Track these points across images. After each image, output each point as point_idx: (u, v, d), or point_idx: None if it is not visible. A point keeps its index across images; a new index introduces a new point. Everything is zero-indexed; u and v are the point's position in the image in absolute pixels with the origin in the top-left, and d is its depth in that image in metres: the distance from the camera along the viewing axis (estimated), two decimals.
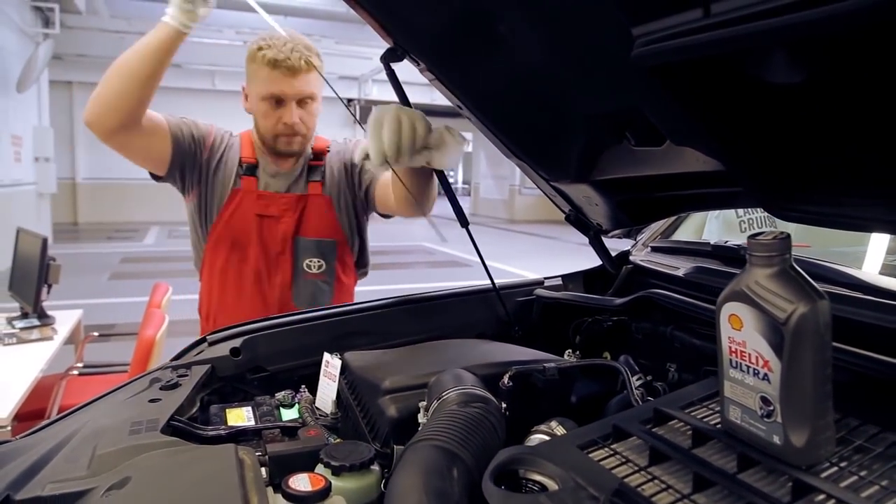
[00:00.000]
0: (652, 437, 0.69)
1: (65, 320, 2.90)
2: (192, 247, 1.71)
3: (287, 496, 0.65)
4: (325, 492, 0.65)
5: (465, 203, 23.41)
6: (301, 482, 0.66)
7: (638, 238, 1.49)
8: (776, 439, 0.63)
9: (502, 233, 14.69)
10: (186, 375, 1.06)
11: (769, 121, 0.73)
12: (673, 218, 1.57)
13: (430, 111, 1.32)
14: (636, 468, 0.65)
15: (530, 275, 1.57)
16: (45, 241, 2.66)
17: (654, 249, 1.44)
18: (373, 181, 1.67)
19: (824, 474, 0.61)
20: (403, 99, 1.23)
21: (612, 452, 0.69)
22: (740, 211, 1.56)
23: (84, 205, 14.67)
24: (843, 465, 0.63)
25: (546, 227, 15.08)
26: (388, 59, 1.20)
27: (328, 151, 1.71)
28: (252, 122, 1.67)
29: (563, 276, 1.48)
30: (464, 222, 1.28)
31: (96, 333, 3.13)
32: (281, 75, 1.53)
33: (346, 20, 15.04)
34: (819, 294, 0.60)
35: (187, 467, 0.74)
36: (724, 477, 0.61)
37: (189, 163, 1.60)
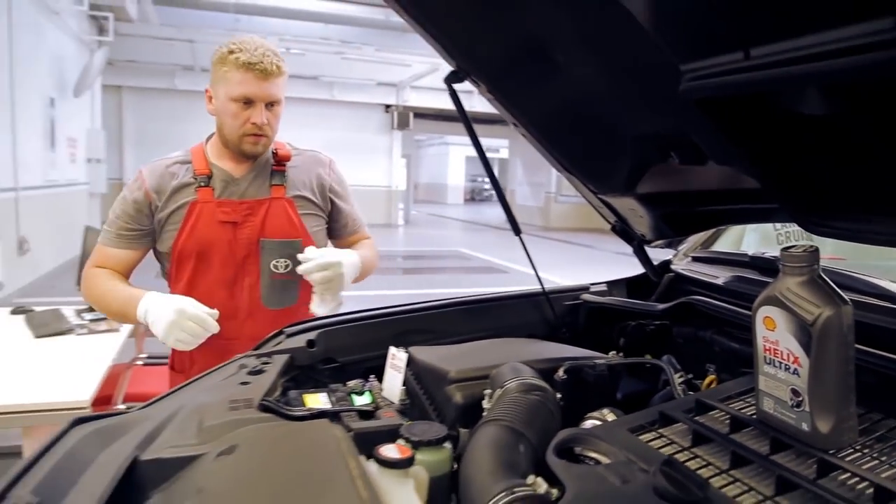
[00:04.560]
0: (694, 422, 0.79)
1: None
2: (157, 260, 1.76)
3: (380, 462, 0.76)
4: (411, 460, 0.77)
5: (498, 210, 23.43)
6: (391, 451, 0.77)
7: (679, 248, 1.57)
8: (804, 426, 0.72)
9: (538, 240, 14.72)
10: (269, 363, 1.19)
11: (801, 146, 0.82)
12: (713, 230, 1.65)
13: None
14: (680, 448, 0.75)
15: (568, 283, 1.63)
16: None
17: (695, 259, 1.53)
18: (342, 232, 1.86)
19: (848, 458, 0.71)
20: (464, 117, 1.33)
21: (658, 435, 0.79)
22: (777, 224, 1.64)
23: None
24: (865, 451, 0.72)
25: (582, 235, 15.09)
26: (451, 80, 1.30)
27: (290, 157, 1.76)
28: (214, 126, 1.71)
29: (608, 283, 1.58)
30: (517, 231, 1.38)
31: None
32: (254, 77, 1.57)
33: (385, 27, 15.29)
34: (843, 300, 0.69)
35: (288, 438, 0.86)
36: (758, 457, 0.71)
37: (152, 233, 1.68)
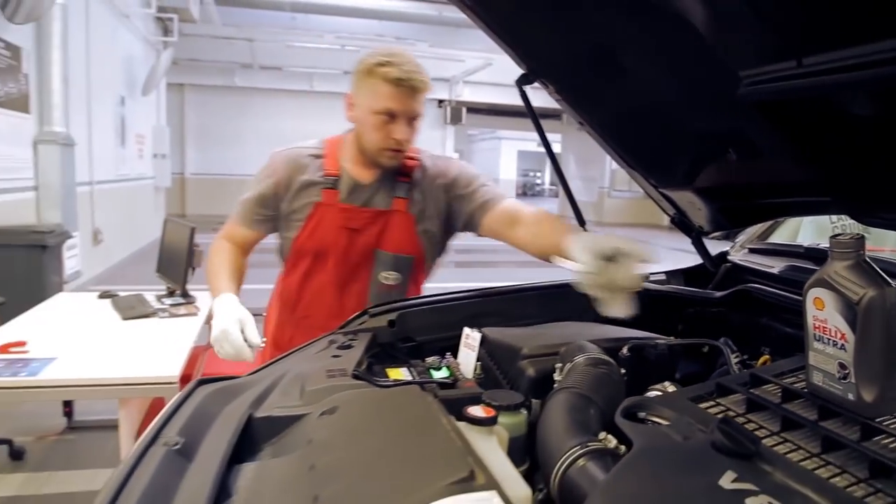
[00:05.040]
0: (749, 392, 0.88)
1: (202, 300, 3.28)
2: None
3: (468, 420, 0.87)
4: (495, 419, 0.88)
5: (552, 204, 23.42)
6: (477, 411, 0.88)
7: (736, 240, 1.64)
8: (850, 396, 0.80)
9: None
10: (356, 339, 1.32)
11: (851, 143, 0.90)
12: (769, 223, 1.72)
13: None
14: (735, 414, 0.84)
15: None
16: (192, 229, 3.05)
17: (752, 251, 1.60)
18: (483, 210, 1.69)
19: (891, 426, 0.79)
20: (534, 117, 1.43)
21: (715, 404, 0.88)
22: (833, 217, 1.69)
23: (192, 197, 15.69)
24: None
25: (635, 231, 14.95)
26: (522, 82, 1.41)
27: (416, 168, 1.74)
28: (351, 129, 1.72)
29: (667, 273, 1.66)
30: (581, 223, 1.47)
31: None
32: (401, 93, 1.57)
33: (439, 23, 15.44)
34: (886, 282, 0.77)
35: (384, 400, 0.98)
36: (807, 421, 0.79)
37: (276, 218, 1.76)
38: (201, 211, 15.27)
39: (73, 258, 6.16)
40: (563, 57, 1.28)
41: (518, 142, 29.82)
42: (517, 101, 1.45)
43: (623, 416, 0.85)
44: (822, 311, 0.82)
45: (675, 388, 1.00)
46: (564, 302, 1.53)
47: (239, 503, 0.77)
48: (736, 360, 1.13)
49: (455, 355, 1.35)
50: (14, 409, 3.55)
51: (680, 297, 1.46)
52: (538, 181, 36.13)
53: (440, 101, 16.74)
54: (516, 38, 1.31)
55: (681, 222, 1.54)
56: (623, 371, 1.07)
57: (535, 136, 1.56)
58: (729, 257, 1.60)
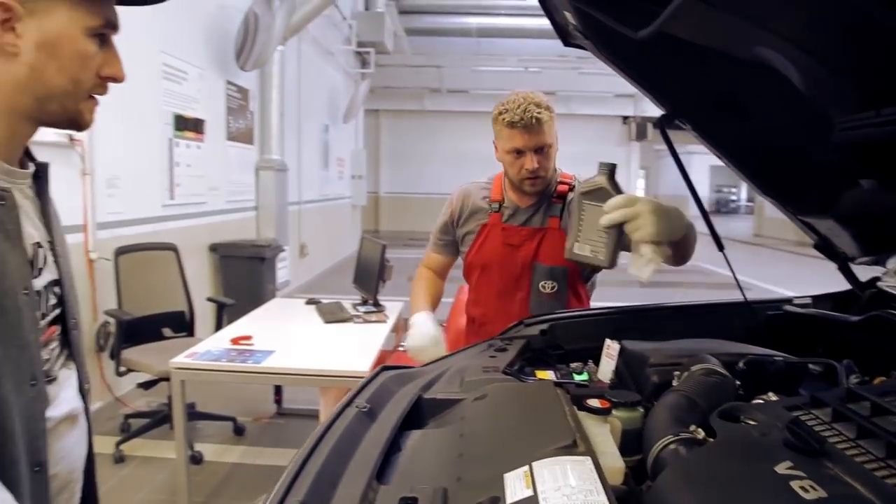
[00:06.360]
0: (839, 404, 0.99)
1: (391, 309, 3.71)
2: None
3: (586, 409, 1.07)
4: (609, 410, 1.07)
5: (748, 222, 21.95)
6: (594, 402, 1.08)
7: (888, 265, 1.65)
8: None
9: (789, 256, 13.62)
10: (510, 344, 1.55)
11: None
12: None
13: None
14: (821, 422, 0.96)
15: None
16: (384, 246, 3.48)
17: None
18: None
19: None
20: (674, 153, 1.59)
21: (807, 412, 1.00)
22: None
23: (385, 215, 16.93)
24: None
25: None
26: (663, 123, 1.57)
27: (570, 191, 2.02)
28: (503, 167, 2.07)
29: (814, 297, 1.71)
30: (720, 246, 1.59)
31: None
32: (518, 133, 1.88)
33: None
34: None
35: (524, 391, 1.21)
36: (882, 430, 0.90)
37: (455, 242, 2.16)
38: (393, 227, 16.44)
39: (283, 269, 7.03)
40: (695, 101, 1.43)
41: (710, 156, 28.17)
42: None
43: (720, 415, 1.01)
44: None
45: (777, 398, 1.12)
46: (702, 321, 1.66)
47: (405, 456, 1.04)
48: (856, 380, 1.21)
49: (597, 363, 1.53)
50: (238, 392, 4.23)
51: (819, 321, 1.52)
52: (733, 197, 34.08)
53: (624, 118, 16.56)
54: (654, 86, 1.49)
55: (824, 248, 1.60)
56: (738, 383, 1.20)
57: None
58: (878, 283, 1.62)
